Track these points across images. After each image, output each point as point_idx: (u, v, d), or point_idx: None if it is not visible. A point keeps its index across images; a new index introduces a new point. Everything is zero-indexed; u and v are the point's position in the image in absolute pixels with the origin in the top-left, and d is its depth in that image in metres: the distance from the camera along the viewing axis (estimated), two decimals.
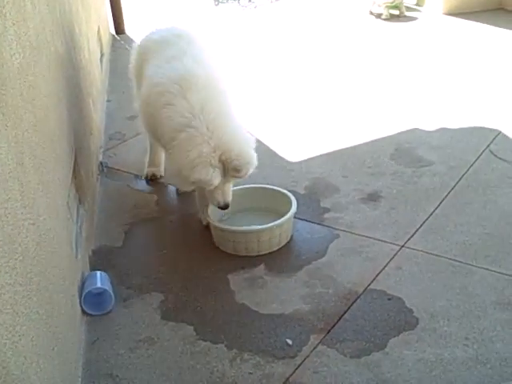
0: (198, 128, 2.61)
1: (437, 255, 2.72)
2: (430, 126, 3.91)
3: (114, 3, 6.10)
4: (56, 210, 2.23)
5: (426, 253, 2.75)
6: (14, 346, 1.48)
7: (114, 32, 6.15)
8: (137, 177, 3.54)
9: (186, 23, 6.19)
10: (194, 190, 3.00)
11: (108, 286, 2.58)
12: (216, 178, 2.59)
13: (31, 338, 1.65)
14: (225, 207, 2.76)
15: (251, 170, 2.69)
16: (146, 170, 3.50)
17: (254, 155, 2.69)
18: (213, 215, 2.91)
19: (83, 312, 2.48)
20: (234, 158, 2.60)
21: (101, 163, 3.60)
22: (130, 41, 5.58)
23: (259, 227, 2.83)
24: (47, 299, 1.89)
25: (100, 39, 4.99)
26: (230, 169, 2.62)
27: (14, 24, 1.88)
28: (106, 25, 5.87)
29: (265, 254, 2.83)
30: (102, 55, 4.94)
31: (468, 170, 3.37)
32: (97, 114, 3.90)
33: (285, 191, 3.06)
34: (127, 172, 3.59)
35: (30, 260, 1.73)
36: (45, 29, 2.49)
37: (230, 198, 2.76)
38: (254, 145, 2.72)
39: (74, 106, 3.00)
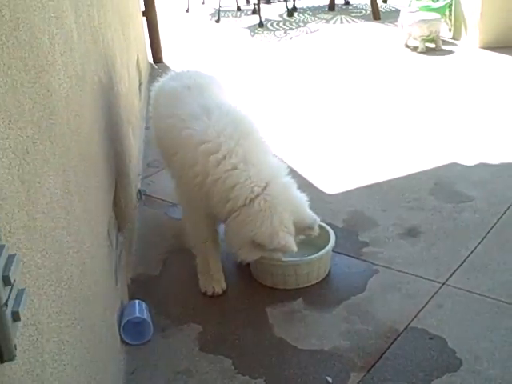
0: (276, 196, 2.54)
1: (480, 294, 2.66)
2: (470, 160, 3.86)
3: (152, 32, 6.20)
4: (98, 237, 2.23)
5: (469, 291, 2.68)
6: (59, 376, 1.47)
7: (151, 61, 6.24)
8: (174, 205, 3.53)
9: (214, 60, 6.28)
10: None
11: (147, 316, 2.57)
12: (294, 243, 2.58)
13: (75, 367, 1.64)
14: None
15: None
16: None
17: None
18: None
19: (122, 341, 2.47)
20: (306, 219, 2.61)
21: (139, 191, 3.62)
22: (167, 69, 5.64)
23: (297, 260, 2.81)
24: (90, 328, 1.88)
25: (139, 68, 5.06)
26: (302, 229, 2.63)
27: (61, 54, 1.90)
28: (145, 53, 5.95)
29: (303, 288, 2.80)
30: (140, 84, 4.99)
31: (510, 206, 3.30)
32: (136, 141, 3.93)
33: (323, 224, 3.02)
34: (165, 200, 3.59)
35: (74, 288, 1.73)
36: (89, 58, 2.52)
37: None
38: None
39: (114, 133, 3.03)
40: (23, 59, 1.43)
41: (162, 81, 3.19)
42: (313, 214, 2.65)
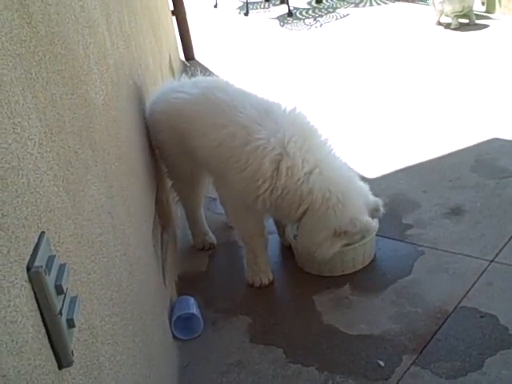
0: (348, 188, 2.61)
1: None
2: (510, 135, 3.79)
3: (182, 31, 6.24)
4: (143, 238, 2.28)
5: None
6: (116, 376, 1.52)
7: (183, 58, 6.29)
8: (215, 200, 3.57)
9: (253, 46, 6.29)
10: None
11: (196, 311, 2.62)
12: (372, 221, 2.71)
13: (130, 366, 1.69)
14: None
15: None
16: None
17: None
18: (293, 236, 2.92)
19: (174, 337, 2.52)
20: (371, 202, 2.70)
21: None
22: (200, 66, 5.69)
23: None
24: (141, 327, 1.94)
25: (172, 67, 5.11)
26: (370, 212, 2.70)
27: (96, 63, 1.95)
28: (177, 52, 6.01)
29: (349, 274, 2.81)
30: None
31: None
32: None
33: None
34: (206, 196, 3.63)
35: (124, 290, 1.78)
36: (123, 64, 2.56)
37: None
38: None
39: None
40: (60, 72, 1.47)
41: (162, 93, 2.96)
42: (375, 197, 2.73)
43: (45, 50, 1.36)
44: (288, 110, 2.67)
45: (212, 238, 3.21)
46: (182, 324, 2.57)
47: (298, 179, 2.52)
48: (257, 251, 2.83)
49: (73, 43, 1.67)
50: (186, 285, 2.92)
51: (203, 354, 2.48)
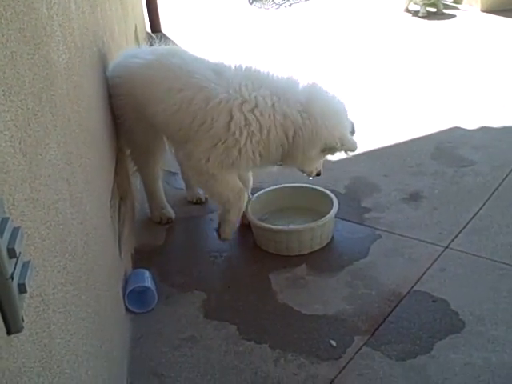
0: (325, 103, 2.73)
1: (482, 257, 2.68)
2: (471, 124, 3.85)
3: (150, 2, 6.14)
4: (101, 208, 2.24)
5: (471, 254, 2.70)
6: (66, 345, 1.49)
7: (149, 30, 6.20)
8: (175, 174, 3.53)
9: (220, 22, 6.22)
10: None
11: (151, 284, 2.60)
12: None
13: (81, 336, 1.66)
14: (318, 175, 2.89)
15: None
16: None
17: None
18: (253, 214, 2.91)
19: (127, 310, 2.50)
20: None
21: None
22: (165, 38, 5.61)
23: (300, 227, 2.83)
24: (95, 298, 1.90)
25: (137, 38, 5.03)
26: None
27: (60, 25, 1.89)
28: (143, 23, 5.91)
29: (306, 254, 2.82)
30: None
31: None
32: None
33: (325, 190, 3.04)
34: (165, 170, 3.58)
35: (78, 259, 1.74)
36: (88, 29, 2.50)
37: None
38: None
39: None
40: (21, 30, 1.41)
41: (122, 59, 2.96)
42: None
43: (6, 5, 1.31)
44: (237, 66, 2.72)
45: (170, 212, 3.18)
46: (135, 297, 2.54)
47: (269, 115, 2.59)
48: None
49: (36, 2, 1.61)
50: (142, 258, 2.89)
51: (156, 328, 2.47)
